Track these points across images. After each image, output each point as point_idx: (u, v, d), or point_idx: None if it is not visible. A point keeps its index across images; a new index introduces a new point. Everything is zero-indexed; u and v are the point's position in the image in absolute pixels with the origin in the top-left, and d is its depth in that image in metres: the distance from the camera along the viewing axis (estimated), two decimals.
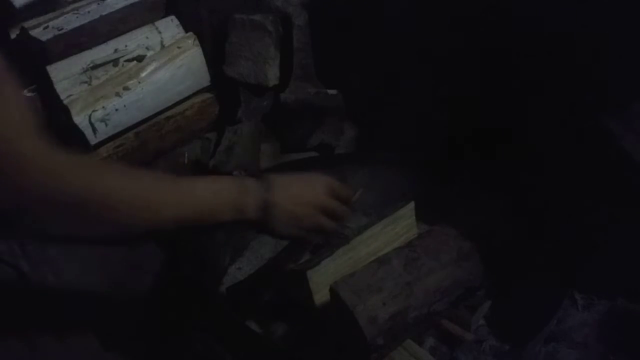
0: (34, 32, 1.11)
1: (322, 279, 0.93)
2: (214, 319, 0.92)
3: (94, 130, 1.11)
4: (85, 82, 1.12)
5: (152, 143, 1.22)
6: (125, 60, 1.17)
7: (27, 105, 0.60)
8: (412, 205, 1.03)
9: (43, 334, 0.88)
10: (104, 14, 1.17)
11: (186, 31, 1.27)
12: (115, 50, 1.16)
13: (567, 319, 0.98)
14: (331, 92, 1.31)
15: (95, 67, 1.13)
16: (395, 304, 0.87)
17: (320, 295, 0.94)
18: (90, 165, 0.65)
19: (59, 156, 0.59)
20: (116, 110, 1.12)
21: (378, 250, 0.98)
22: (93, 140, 1.11)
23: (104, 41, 1.17)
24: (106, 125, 1.12)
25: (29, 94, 1.10)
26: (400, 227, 1.02)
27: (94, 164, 0.69)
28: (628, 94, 0.95)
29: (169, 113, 1.24)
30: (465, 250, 0.97)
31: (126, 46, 1.18)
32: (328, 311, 0.93)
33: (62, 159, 0.60)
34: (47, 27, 1.12)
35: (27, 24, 1.12)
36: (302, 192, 0.77)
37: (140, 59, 1.19)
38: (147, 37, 1.22)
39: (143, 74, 1.18)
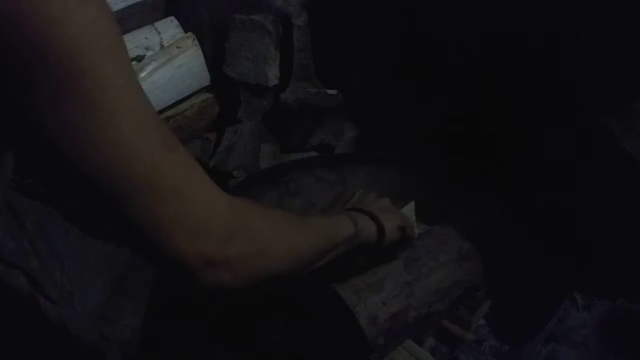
0: None
1: (322, 279, 0.93)
2: (213, 319, 0.91)
3: None
4: None
5: None
6: None
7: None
8: (412, 205, 1.03)
9: (47, 331, 0.88)
10: None
11: (186, 31, 1.27)
12: None
13: (567, 319, 0.98)
14: (331, 92, 1.31)
15: None
16: (395, 304, 0.87)
17: (321, 295, 0.94)
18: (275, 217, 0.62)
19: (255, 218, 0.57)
20: None
21: None
22: None
23: None
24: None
25: None
26: None
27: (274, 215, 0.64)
28: (628, 94, 0.95)
29: (169, 113, 1.24)
30: (465, 250, 0.97)
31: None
32: (328, 311, 0.93)
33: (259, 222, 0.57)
34: None
35: None
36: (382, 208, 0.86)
37: (139, 58, 1.19)
38: (146, 38, 1.22)
39: (142, 74, 1.18)
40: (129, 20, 1.22)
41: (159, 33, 1.24)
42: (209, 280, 0.50)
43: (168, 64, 1.21)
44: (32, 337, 0.86)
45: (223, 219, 0.51)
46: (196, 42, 1.26)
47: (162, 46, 1.23)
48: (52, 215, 0.95)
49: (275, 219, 0.61)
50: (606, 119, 0.96)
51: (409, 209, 1.03)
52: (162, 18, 1.27)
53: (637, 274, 0.98)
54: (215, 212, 0.50)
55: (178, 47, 1.24)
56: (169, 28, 1.26)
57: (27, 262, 0.88)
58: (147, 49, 1.21)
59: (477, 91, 1.16)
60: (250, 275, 0.54)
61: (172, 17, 1.27)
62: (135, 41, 1.20)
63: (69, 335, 0.89)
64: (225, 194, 0.53)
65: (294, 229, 0.63)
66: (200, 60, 1.27)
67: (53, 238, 0.93)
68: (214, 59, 1.29)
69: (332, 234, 0.70)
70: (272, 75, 1.29)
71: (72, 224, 0.97)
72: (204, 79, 1.29)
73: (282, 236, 0.59)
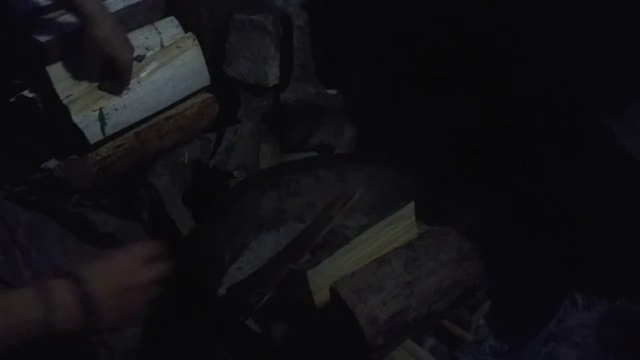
0: (34, 33, 1.11)
1: (322, 279, 0.93)
2: (214, 319, 0.91)
3: (103, 126, 1.11)
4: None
5: (152, 143, 1.22)
6: None
7: None
8: (412, 205, 1.03)
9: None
10: None
11: (186, 31, 1.27)
12: None
13: (567, 319, 0.99)
14: (331, 92, 1.31)
15: None
16: (395, 304, 0.87)
17: (320, 295, 0.94)
18: None
19: None
20: (115, 109, 1.12)
21: (378, 250, 0.98)
22: (93, 139, 1.11)
23: None
24: (105, 124, 1.12)
25: (30, 95, 1.10)
26: (400, 227, 1.02)
27: None
28: (628, 94, 0.95)
29: (169, 113, 1.24)
30: (465, 250, 0.97)
31: None
32: (328, 311, 0.93)
33: None
34: (46, 28, 1.12)
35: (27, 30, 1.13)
36: (120, 278, 0.68)
37: (140, 58, 1.19)
38: (146, 38, 1.22)
39: (143, 74, 1.18)
40: (128, 20, 1.21)
41: (159, 33, 1.24)
42: None
43: (169, 63, 1.21)
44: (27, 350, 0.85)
45: None
46: (196, 42, 1.26)
47: (162, 46, 1.23)
48: (46, 222, 0.94)
49: None
50: (606, 119, 0.96)
51: (409, 209, 1.03)
52: (162, 18, 1.27)
53: (637, 274, 0.98)
54: None
55: (179, 47, 1.24)
56: (169, 28, 1.26)
57: (17, 274, 0.86)
58: (147, 48, 1.21)
59: (477, 91, 1.16)
60: None
61: (172, 17, 1.27)
62: (136, 41, 1.20)
63: (66, 344, 0.88)
64: None
65: None
66: (201, 60, 1.27)
67: (47, 246, 0.92)
68: (214, 59, 1.29)
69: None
70: (272, 75, 1.29)
71: (68, 231, 0.97)
72: (205, 79, 1.29)
73: None
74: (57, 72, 1.10)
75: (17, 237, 0.90)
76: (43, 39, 1.10)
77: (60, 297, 0.61)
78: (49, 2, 1.13)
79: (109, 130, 1.13)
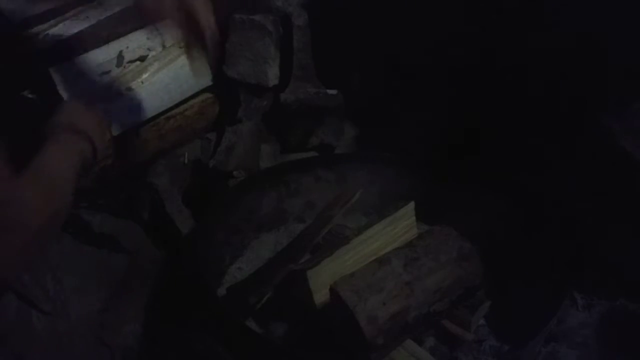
0: (34, 42, 1.11)
1: (322, 279, 0.93)
2: (214, 319, 0.92)
3: (110, 127, 1.10)
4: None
5: (152, 143, 1.22)
6: (128, 62, 1.17)
7: None
8: (412, 205, 1.03)
9: (41, 344, 0.87)
10: (102, 18, 1.17)
11: None
12: (118, 52, 1.16)
13: (567, 319, 0.99)
14: (331, 92, 1.31)
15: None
16: (395, 304, 0.87)
17: (320, 295, 0.94)
18: None
19: None
20: (121, 110, 1.12)
21: (378, 250, 0.98)
22: None
23: (105, 45, 1.17)
24: (112, 125, 1.12)
25: (29, 96, 1.10)
26: (400, 227, 1.02)
27: None
28: (628, 94, 0.95)
29: (169, 113, 1.24)
30: (465, 250, 0.97)
31: (127, 47, 1.18)
32: (328, 311, 0.93)
33: None
34: (47, 35, 1.13)
35: (27, 34, 1.13)
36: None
37: (142, 58, 1.19)
38: (147, 38, 1.22)
39: (146, 75, 1.18)
40: (130, 21, 1.22)
41: (160, 34, 1.24)
42: None
43: (171, 64, 1.21)
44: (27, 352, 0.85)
45: None
46: None
47: (163, 46, 1.23)
48: None
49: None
50: (606, 119, 0.96)
51: (409, 209, 1.03)
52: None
53: (638, 274, 0.98)
54: None
55: (180, 47, 1.24)
56: (170, 28, 1.25)
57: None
58: (149, 49, 1.21)
59: (478, 91, 1.16)
60: None
61: None
62: (137, 42, 1.20)
63: (66, 345, 0.88)
64: None
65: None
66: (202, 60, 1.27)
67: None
68: (214, 59, 1.29)
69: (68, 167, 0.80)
70: (272, 75, 1.29)
71: (64, 232, 0.97)
72: (206, 79, 1.29)
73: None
74: (60, 74, 1.10)
75: None
76: (44, 46, 1.11)
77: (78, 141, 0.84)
78: (44, 10, 1.13)
79: (115, 132, 1.13)
